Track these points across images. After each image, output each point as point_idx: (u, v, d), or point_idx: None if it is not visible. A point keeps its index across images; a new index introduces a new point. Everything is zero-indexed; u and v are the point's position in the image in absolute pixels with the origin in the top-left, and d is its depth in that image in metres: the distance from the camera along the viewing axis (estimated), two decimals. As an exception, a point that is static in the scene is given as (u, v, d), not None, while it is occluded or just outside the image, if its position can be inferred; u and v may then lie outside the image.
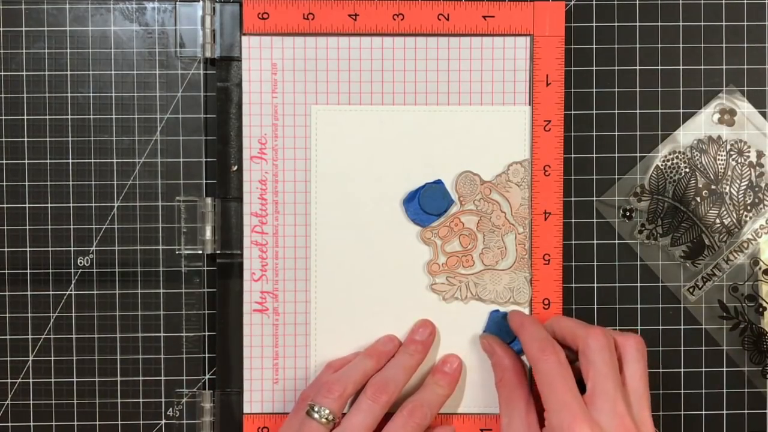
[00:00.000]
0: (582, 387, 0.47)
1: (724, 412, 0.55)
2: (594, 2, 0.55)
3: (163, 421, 0.54)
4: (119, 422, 0.54)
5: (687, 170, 0.55)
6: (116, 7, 0.54)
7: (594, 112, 0.55)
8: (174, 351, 0.54)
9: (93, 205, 0.54)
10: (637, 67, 0.55)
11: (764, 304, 0.55)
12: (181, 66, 0.54)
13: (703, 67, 0.55)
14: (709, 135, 0.55)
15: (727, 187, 0.55)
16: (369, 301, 0.54)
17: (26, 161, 0.54)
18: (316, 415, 0.48)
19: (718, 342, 0.55)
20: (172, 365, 0.54)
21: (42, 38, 0.54)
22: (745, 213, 0.55)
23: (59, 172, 0.54)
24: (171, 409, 0.54)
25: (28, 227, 0.54)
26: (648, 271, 0.55)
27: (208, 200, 0.54)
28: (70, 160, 0.54)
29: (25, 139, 0.54)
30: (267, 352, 0.54)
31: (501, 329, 0.53)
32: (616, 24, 0.55)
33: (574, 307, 0.54)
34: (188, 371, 0.54)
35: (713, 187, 0.55)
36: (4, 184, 0.54)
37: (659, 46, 0.55)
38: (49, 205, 0.54)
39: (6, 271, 0.54)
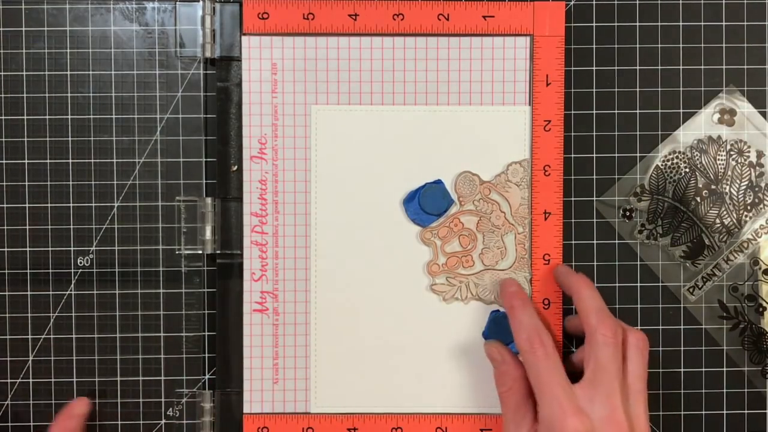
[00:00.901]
0: (580, 372, 0.48)
1: (724, 412, 0.55)
2: (594, 2, 0.55)
3: (163, 421, 0.54)
4: (119, 422, 0.54)
5: (687, 170, 0.55)
6: (116, 7, 0.54)
7: (594, 112, 0.55)
8: (174, 351, 0.54)
9: (93, 205, 0.54)
10: (637, 67, 0.55)
11: (764, 304, 0.55)
12: (181, 66, 0.54)
13: (703, 67, 0.55)
14: (709, 135, 0.55)
15: (727, 187, 0.55)
16: (369, 301, 0.54)
17: (26, 161, 0.54)
18: None
19: (718, 342, 0.55)
20: (172, 365, 0.54)
21: (42, 38, 0.54)
22: (745, 213, 0.55)
23: (59, 172, 0.54)
24: (171, 409, 0.54)
25: (28, 227, 0.54)
26: (648, 271, 0.55)
27: (208, 200, 0.54)
28: (70, 160, 0.54)
29: (25, 139, 0.54)
30: (267, 352, 0.54)
31: (501, 329, 0.53)
32: (616, 24, 0.55)
33: (574, 306, 0.54)
34: (188, 371, 0.54)
35: (713, 187, 0.55)
36: (4, 184, 0.54)
37: (659, 46, 0.55)
38: (49, 205, 0.54)
39: (6, 271, 0.54)
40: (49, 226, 0.54)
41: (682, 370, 0.55)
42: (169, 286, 0.54)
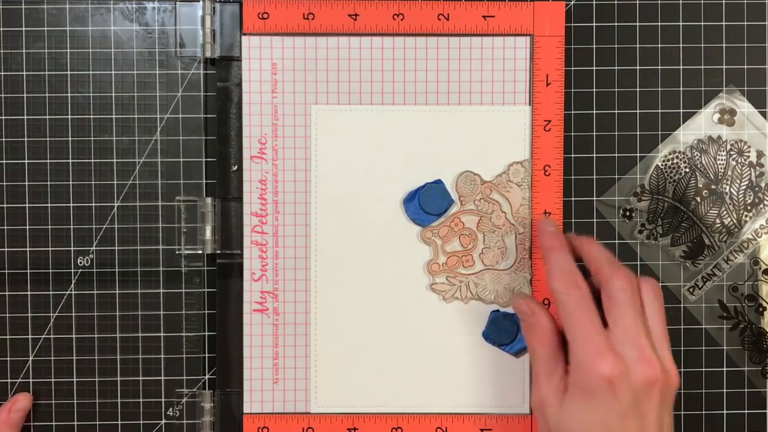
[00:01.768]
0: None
1: (724, 412, 0.55)
2: (594, 2, 0.55)
3: (163, 421, 0.54)
4: (119, 422, 0.54)
5: (687, 170, 0.55)
6: (116, 7, 0.54)
7: (594, 112, 0.55)
8: (174, 351, 0.54)
9: (93, 205, 0.54)
10: (637, 67, 0.55)
11: (764, 304, 0.55)
12: (181, 66, 0.54)
13: (703, 67, 0.55)
14: (709, 135, 0.55)
15: (727, 187, 0.55)
16: (369, 300, 0.54)
17: (26, 161, 0.54)
18: None
19: (718, 342, 0.55)
20: (172, 365, 0.54)
21: (42, 38, 0.54)
22: (745, 213, 0.55)
23: (59, 172, 0.54)
24: (171, 409, 0.54)
25: (28, 227, 0.54)
26: (648, 271, 0.55)
27: (208, 200, 0.54)
28: (70, 160, 0.54)
29: (25, 139, 0.54)
30: (267, 352, 0.54)
31: (501, 329, 0.53)
32: (616, 24, 0.55)
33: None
34: (188, 371, 0.54)
35: (713, 187, 0.55)
36: (4, 184, 0.54)
37: (659, 46, 0.55)
38: (49, 205, 0.54)
39: (6, 271, 0.54)
40: (49, 226, 0.54)
41: (682, 370, 0.55)
42: (169, 286, 0.54)
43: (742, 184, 0.55)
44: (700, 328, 0.55)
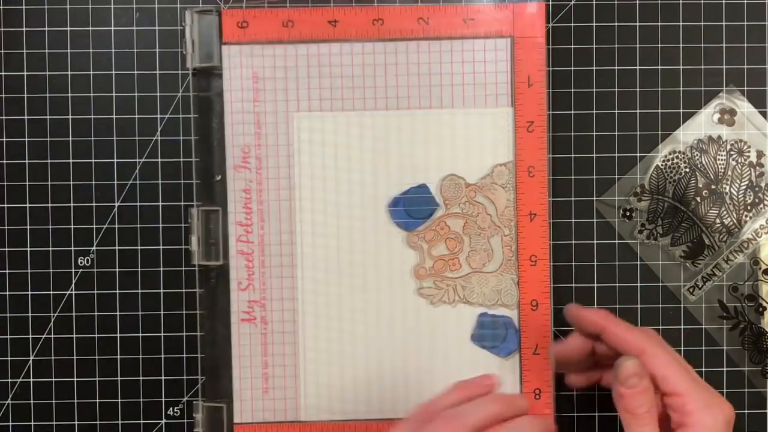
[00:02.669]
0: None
1: (724, 412, 0.55)
2: (594, 2, 0.55)
3: (164, 421, 0.55)
4: (119, 422, 0.54)
5: (687, 170, 0.55)
6: (116, 7, 0.54)
7: (594, 112, 0.55)
8: (174, 351, 0.54)
9: (93, 205, 0.54)
10: (637, 67, 0.55)
11: (764, 304, 0.55)
12: (181, 66, 0.54)
13: (703, 67, 0.55)
14: (709, 135, 0.55)
15: (727, 187, 0.55)
16: (357, 306, 0.54)
17: (27, 161, 0.54)
18: None
19: (718, 342, 0.55)
20: (172, 365, 0.54)
21: (42, 38, 0.54)
22: (745, 213, 0.55)
23: (60, 172, 0.54)
24: (171, 408, 0.54)
25: (28, 227, 0.54)
26: (648, 271, 0.55)
27: (193, 210, 0.53)
28: (71, 161, 0.54)
29: (26, 139, 0.54)
30: (256, 362, 0.54)
31: (490, 332, 0.53)
32: (616, 24, 0.55)
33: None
34: (188, 371, 0.54)
35: (713, 187, 0.55)
36: (5, 184, 0.54)
37: (659, 46, 0.55)
38: (49, 205, 0.54)
39: (6, 271, 0.54)
40: (50, 226, 0.54)
41: (681, 370, 0.55)
42: (169, 286, 0.54)
43: (742, 184, 0.55)
44: (700, 328, 0.55)
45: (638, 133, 0.55)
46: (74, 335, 0.54)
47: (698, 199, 0.55)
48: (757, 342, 0.55)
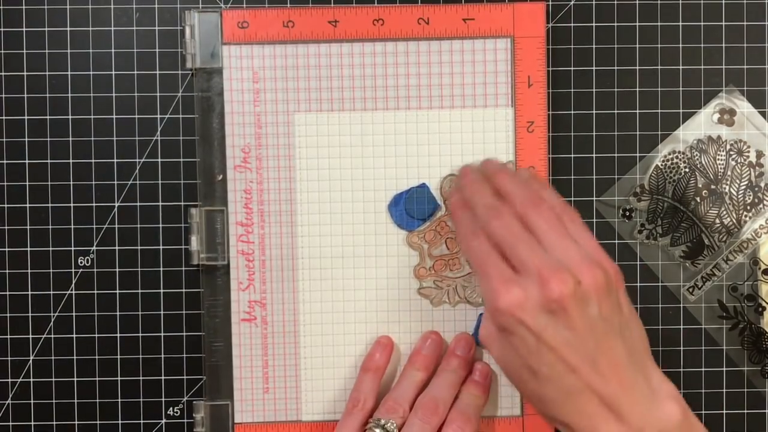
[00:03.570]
0: None
1: (724, 411, 0.55)
2: (594, 2, 0.55)
3: (164, 421, 0.55)
4: (119, 422, 0.54)
5: (687, 170, 0.55)
6: (116, 7, 0.54)
7: (594, 112, 0.55)
8: (174, 351, 0.54)
9: (93, 205, 0.54)
10: (637, 67, 0.55)
11: (764, 304, 0.55)
12: (181, 66, 0.54)
13: (703, 67, 0.55)
14: (709, 135, 0.55)
15: (727, 187, 0.55)
16: (357, 307, 0.54)
17: (27, 161, 0.54)
18: (381, 431, 0.49)
19: (717, 342, 0.55)
20: (172, 365, 0.54)
21: (42, 38, 0.54)
22: (745, 213, 0.55)
23: (60, 172, 0.54)
24: (171, 408, 0.55)
25: (28, 227, 0.54)
26: (648, 271, 0.55)
27: (194, 210, 0.53)
28: (71, 161, 0.54)
29: (26, 139, 0.54)
30: (256, 362, 0.54)
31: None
32: (616, 24, 0.55)
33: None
34: (188, 371, 0.54)
35: (713, 187, 0.55)
36: (5, 184, 0.54)
37: (659, 46, 0.55)
38: (50, 205, 0.54)
39: (6, 271, 0.54)
40: (50, 226, 0.54)
41: (681, 370, 0.55)
42: (169, 286, 0.54)
43: (741, 184, 0.55)
44: (699, 328, 0.55)
45: (638, 133, 0.55)
46: (74, 335, 0.54)
47: (698, 199, 0.55)
48: (757, 342, 0.55)
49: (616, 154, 0.55)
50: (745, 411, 0.55)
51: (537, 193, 0.47)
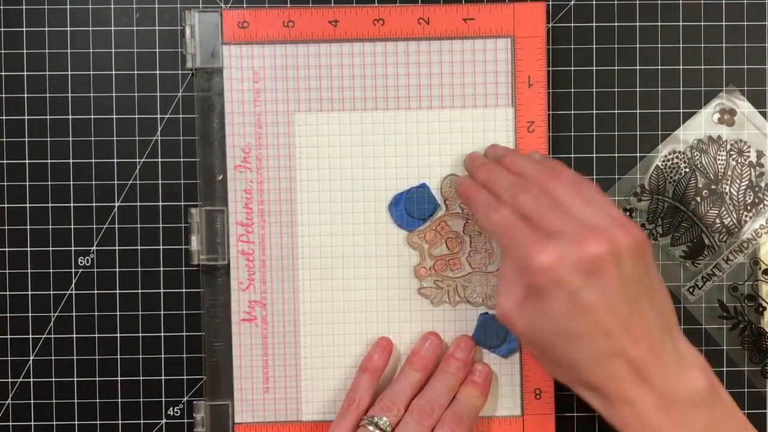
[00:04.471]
0: None
1: (724, 411, 0.55)
2: (594, 2, 0.55)
3: (164, 421, 0.55)
4: (120, 421, 0.54)
5: (687, 170, 0.55)
6: (116, 7, 0.54)
7: (594, 112, 0.55)
8: (174, 351, 0.54)
9: (94, 205, 0.54)
10: (637, 67, 0.55)
11: (764, 304, 0.55)
12: (181, 66, 0.54)
13: (703, 67, 0.55)
14: (709, 135, 0.55)
15: (727, 187, 0.55)
16: (358, 307, 0.54)
17: (27, 161, 0.54)
18: (374, 428, 0.49)
19: (717, 342, 0.55)
20: (172, 365, 0.54)
21: (42, 38, 0.54)
22: (745, 213, 0.55)
23: (60, 172, 0.54)
24: (171, 408, 0.55)
25: (28, 227, 0.54)
26: (648, 271, 0.55)
27: (194, 210, 0.53)
28: (71, 161, 0.54)
29: (26, 139, 0.54)
30: (257, 362, 0.54)
31: (490, 332, 0.53)
32: (616, 24, 0.55)
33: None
34: (188, 371, 0.54)
35: (713, 187, 0.55)
36: (5, 184, 0.54)
37: (659, 46, 0.55)
38: (50, 205, 0.54)
39: (6, 271, 0.54)
40: (50, 226, 0.54)
41: (681, 370, 0.55)
42: (169, 286, 0.54)
43: (742, 184, 0.55)
44: (699, 328, 0.55)
45: (638, 133, 0.55)
46: (74, 335, 0.54)
47: (698, 199, 0.55)
48: (757, 342, 0.55)
49: (616, 154, 0.55)
50: (746, 411, 0.55)
51: (553, 167, 0.47)
